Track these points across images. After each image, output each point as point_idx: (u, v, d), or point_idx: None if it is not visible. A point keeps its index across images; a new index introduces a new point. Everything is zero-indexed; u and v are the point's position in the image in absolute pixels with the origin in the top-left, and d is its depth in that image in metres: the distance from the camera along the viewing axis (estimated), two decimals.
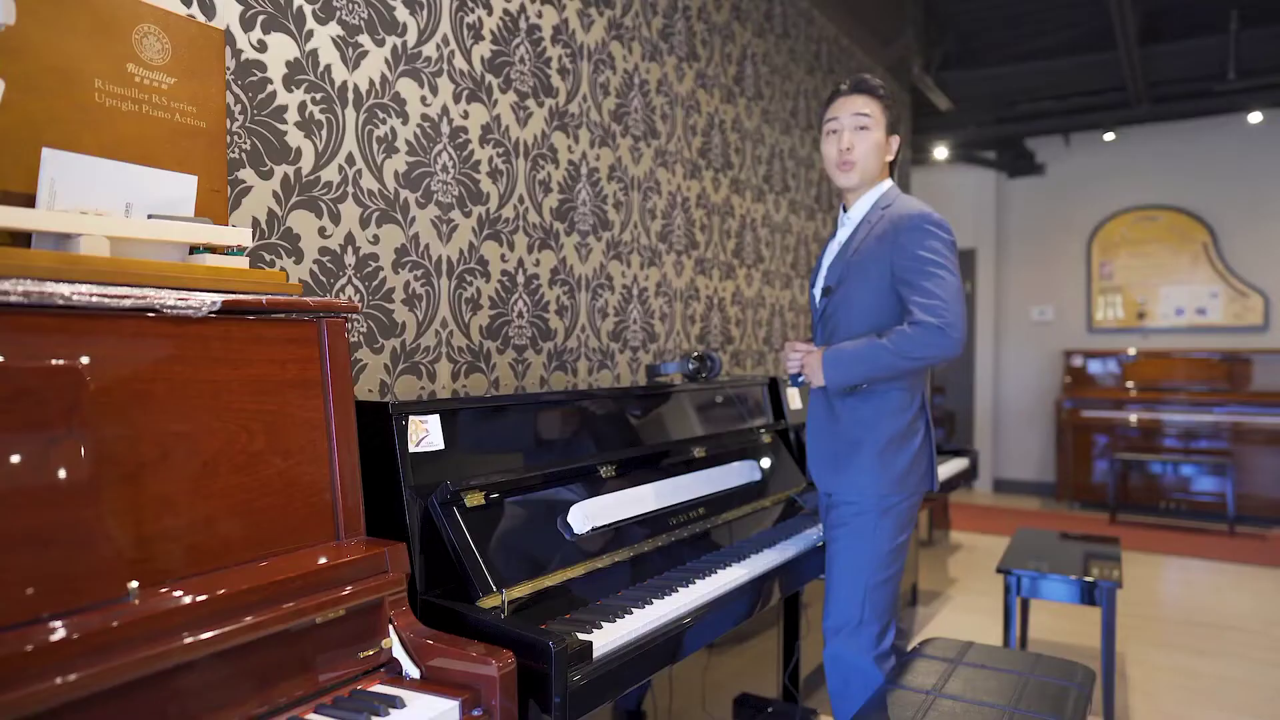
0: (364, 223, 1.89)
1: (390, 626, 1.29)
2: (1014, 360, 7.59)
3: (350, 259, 1.86)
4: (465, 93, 2.15)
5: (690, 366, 2.52)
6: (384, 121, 1.94)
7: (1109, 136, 6.93)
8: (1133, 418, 6.65)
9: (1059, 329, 7.41)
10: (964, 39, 6.21)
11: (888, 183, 2.01)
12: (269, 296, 1.27)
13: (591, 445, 2.02)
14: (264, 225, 1.68)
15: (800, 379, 2.02)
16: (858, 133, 1.94)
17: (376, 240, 1.92)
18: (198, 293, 1.19)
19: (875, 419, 1.93)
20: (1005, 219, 7.63)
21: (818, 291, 2.08)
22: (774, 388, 2.90)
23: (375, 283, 1.92)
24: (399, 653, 1.28)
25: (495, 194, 2.25)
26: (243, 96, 1.63)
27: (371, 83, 1.90)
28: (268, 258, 1.68)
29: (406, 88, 1.99)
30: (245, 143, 1.64)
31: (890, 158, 2.00)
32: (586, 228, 2.59)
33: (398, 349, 1.98)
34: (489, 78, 2.22)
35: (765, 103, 3.70)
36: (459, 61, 2.13)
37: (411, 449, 1.55)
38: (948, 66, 6.21)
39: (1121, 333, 7.22)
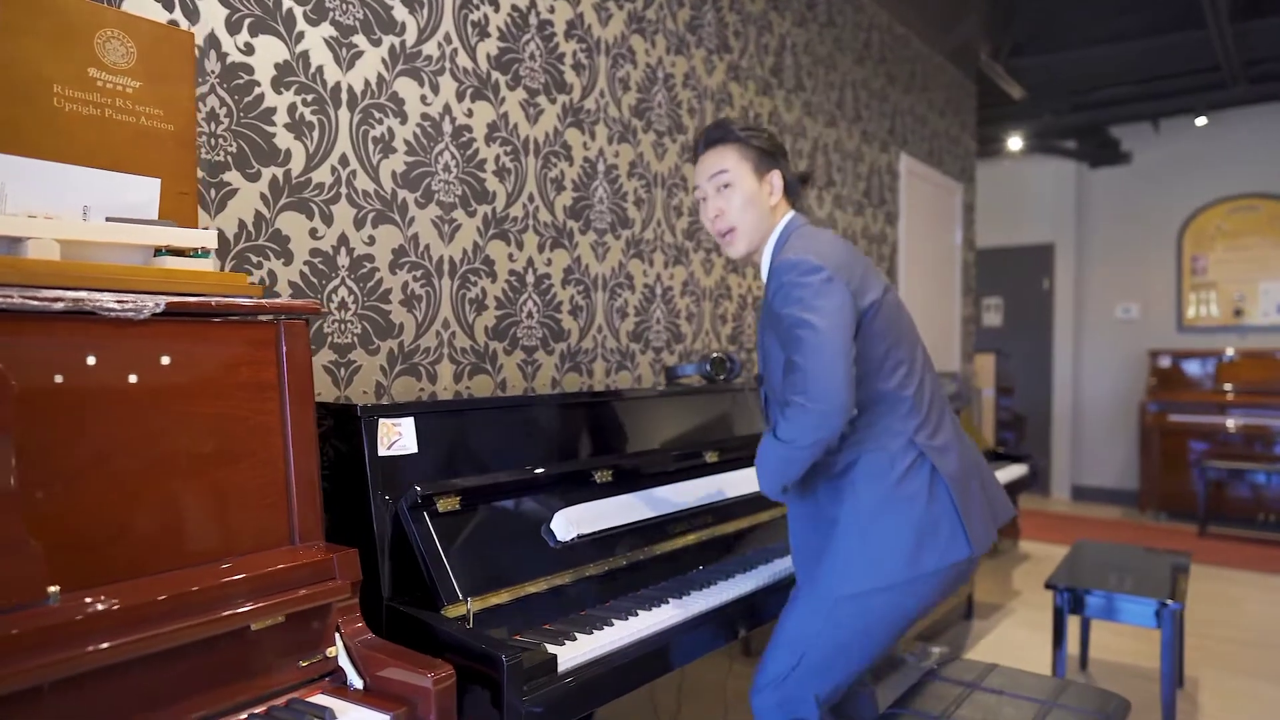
0: (359, 224, 1.89)
1: (337, 635, 1.27)
2: (1095, 360, 7.18)
3: (344, 260, 1.86)
4: (470, 91, 2.12)
5: (708, 368, 2.44)
6: (380, 122, 1.93)
7: (1201, 121, 6.48)
8: (1230, 423, 6.19)
9: (1145, 328, 6.97)
10: (1036, 23, 5.89)
11: (782, 224, 1.69)
12: (219, 299, 1.26)
13: (587, 450, 1.97)
14: (251, 227, 1.69)
15: None
16: (721, 194, 1.68)
17: (372, 241, 1.92)
18: (141, 295, 1.18)
19: (851, 488, 1.60)
20: (1087, 212, 7.22)
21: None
22: None
23: (371, 284, 1.92)
24: (344, 662, 1.25)
25: (502, 193, 2.22)
26: (228, 99, 1.64)
27: (367, 83, 1.89)
28: (254, 259, 1.69)
29: (405, 87, 1.98)
30: (231, 145, 1.65)
31: (774, 198, 1.69)
32: (604, 226, 2.53)
33: (395, 350, 1.97)
34: (496, 75, 2.19)
35: (807, 95, 3.57)
36: (463, 60, 2.10)
37: (382, 452, 1.53)
38: (1019, 53, 5.90)
39: (1216, 331, 6.74)
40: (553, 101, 2.35)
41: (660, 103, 2.74)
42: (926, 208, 4.79)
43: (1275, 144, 6.46)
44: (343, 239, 1.86)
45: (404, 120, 1.98)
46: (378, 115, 1.92)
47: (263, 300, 1.31)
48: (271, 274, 1.72)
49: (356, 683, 1.24)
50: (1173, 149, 6.84)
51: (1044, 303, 7.35)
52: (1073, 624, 3.58)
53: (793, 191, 1.73)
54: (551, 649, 1.47)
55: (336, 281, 1.85)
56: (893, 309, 1.65)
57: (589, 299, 2.49)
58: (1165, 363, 6.67)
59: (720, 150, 1.69)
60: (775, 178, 1.69)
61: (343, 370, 1.86)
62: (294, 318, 1.36)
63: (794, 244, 1.61)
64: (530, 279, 2.30)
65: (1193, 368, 6.59)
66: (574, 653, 1.47)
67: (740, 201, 1.67)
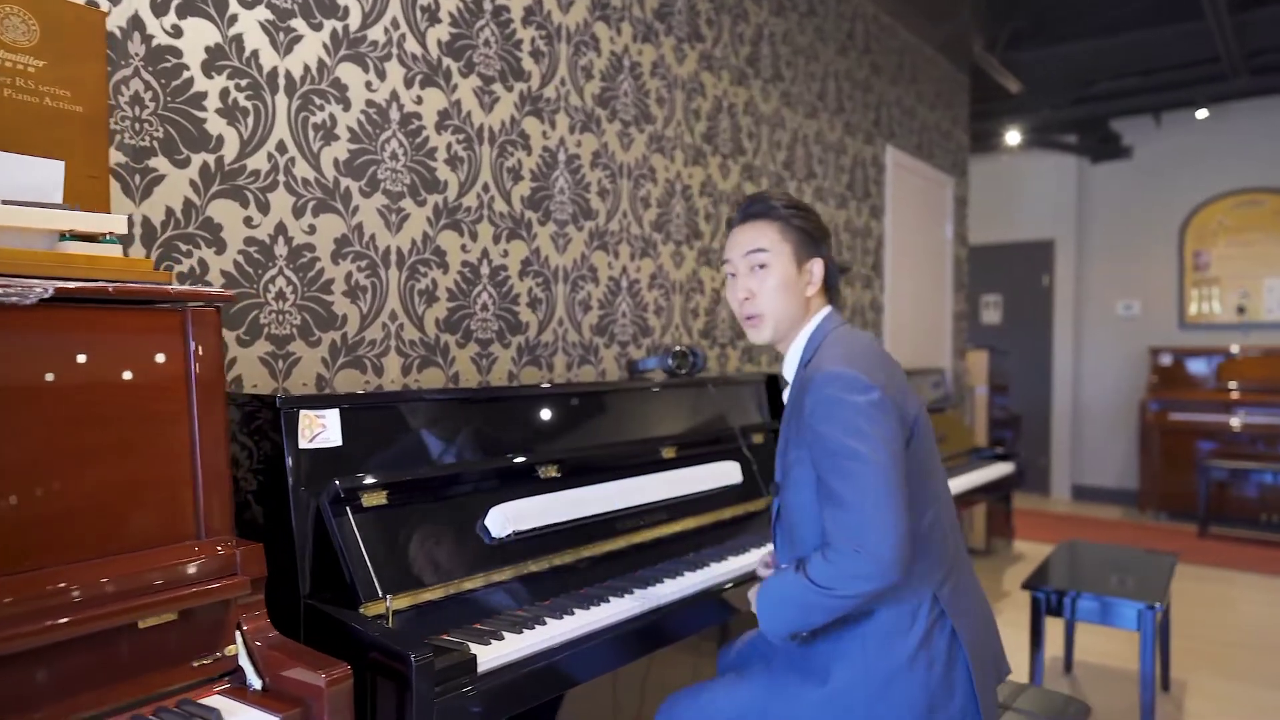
0: (298, 212, 1.84)
1: (238, 633, 1.22)
2: (1096, 358, 7.08)
3: (281, 249, 1.82)
4: (419, 77, 2.08)
5: (670, 362, 2.39)
6: (321, 108, 1.88)
7: (1202, 114, 6.37)
8: (1235, 421, 6.08)
9: (1146, 325, 6.87)
10: (1033, 14, 5.80)
11: (818, 319, 1.51)
12: (118, 284, 1.22)
13: (534, 445, 1.92)
14: (180, 215, 1.65)
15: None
16: (755, 274, 1.50)
17: (313, 230, 1.87)
18: (30, 280, 1.14)
19: (860, 646, 1.39)
20: (1087, 207, 7.12)
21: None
22: (772, 385, 2.73)
23: (311, 274, 1.87)
24: (244, 661, 1.21)
25: (455, 182, 2.17)
26: (154, 83, 1.60)
27: (307, 68, 1.85)
28: (184, 248, 1.65)
29: (349, 73, 1.93)
30: (157, 130, 1.61)
31: (812, 288, 1.51)
32: (565, 217, 2.48)
33: (338, 342, 1.93)
34: (447, 62, 2.14)
35: (786, 85, 3.51)
36: (411, 45, 2.06)
37: (303, 445, 1.48)
38: (1016, 45, 5.81)
39: (1219, 329, 6.63)
40: (509, 89, 2.31)
41: (626, 91, 2.69)
42: (915, 201, 4.72)
43: (1278, 137, 6.35)
44: (280, 228, 1.81)
45: (347, 107, 1.93)
46: (318, 101, 1.87)
47: (167, 287, 1.27)
48: (203, 263, 1.68)
49: (255, 683, 1.20)
50: (1174, 143, 6.73)
51: (1044, 300, 7.25)
52: (1058, 626, 3.51)
53: (832, 283, 1.56)
54: (476, 648, 1.42)
55: (274, 271, 1.81)
56: (926, 431, 1.45)
57: (549, 291, 2.44)
58: (1167, 360, 6.56)
59: (759, 226, 1.51)
60: (816, 266, 1.51)
61: (280, 362, 1.82)
62: (202, 305, 1.31)
63: (832, 349, 1.43)
64: (485, 270, 2.25)
65: (1195, 365, 6.48)
66: (498, 652, 1.43)
67: (774, 285, 1.49)
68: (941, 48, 4.94)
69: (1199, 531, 5.77)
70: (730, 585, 1.91)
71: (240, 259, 1.75)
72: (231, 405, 1.59)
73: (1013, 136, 6.73)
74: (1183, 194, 6.73)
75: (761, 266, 1.50)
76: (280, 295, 1.81)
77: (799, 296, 1.50)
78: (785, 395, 1.57)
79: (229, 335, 1.72)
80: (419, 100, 2.08)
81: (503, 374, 2.31)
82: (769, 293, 1.50)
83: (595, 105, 2.58)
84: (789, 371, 1.54)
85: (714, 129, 3.09)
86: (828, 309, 1.54)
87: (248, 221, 1.76)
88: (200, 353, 1.30)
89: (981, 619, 1.49)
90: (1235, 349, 6.32)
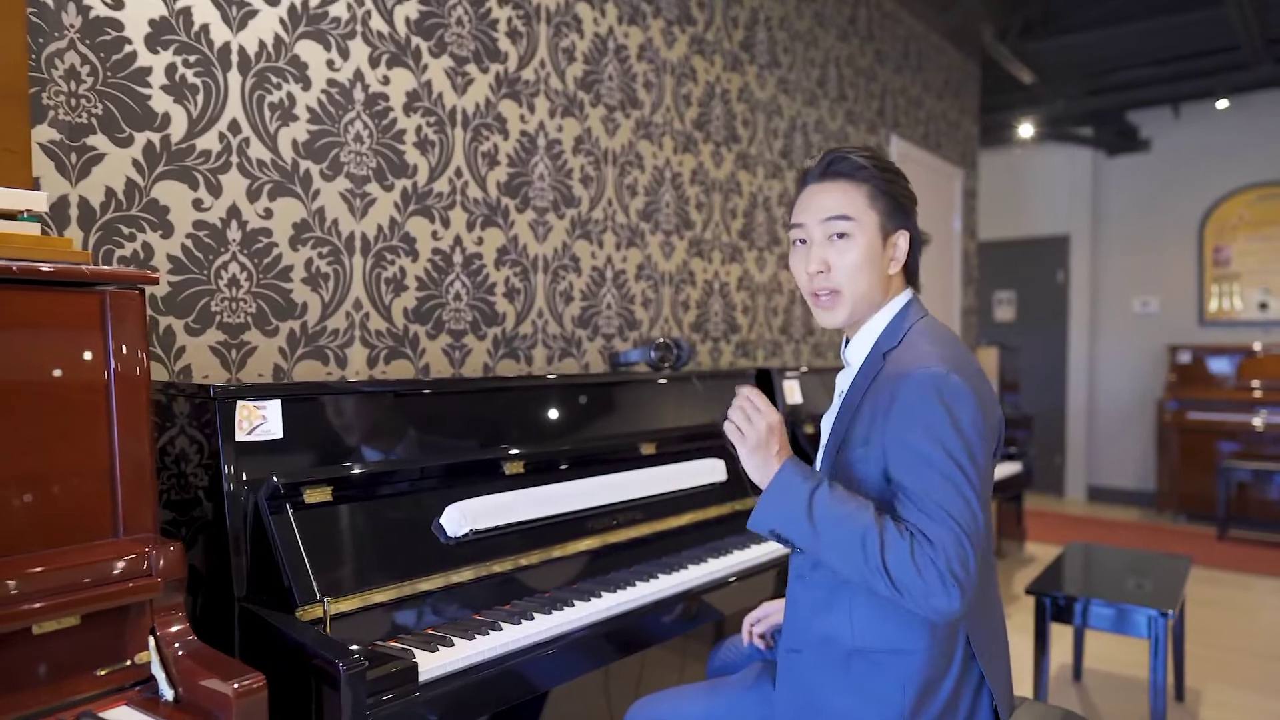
0: (253, 195, 1.76)
1: (151, 639, 1.13)
2: (1112, 356, 6.90)
3: (235, 234, 1.73)
4: (386, 56, 1.99)
5: (653, 354, 2.29)
6: (279, 87, 1.80)
7: (1222, 104, 6.18)
8: (1258, 421, 5.90)
9: (1164, 322, 6.69)
10: (1045, 1, 5.65)
11: (899, 302, 1.32)
12: (21, 262, 1.13)
13: (501, 440, 1.82)
14: (121, 196, 1.56)
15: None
16: (833, 244, 1.28)
17: (269, 214, 1.79)
18: None
19: (878, 686, 1.22)
20: (1103, 201, 6.95)
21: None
22: (764, 379, 2.63)
23: (268, 260, 1.79)
24: (157, 670, 1.12)
25: (424, 166, 2.08)
26: (92, 57, 1.52)
27: (262, 45, 1.77)
28: (126, 230, 1.57)
29: (308, 50, 1.85)
30: (96, 107, 1.53)
31: (895, 266, 1.30)
32: (545, 204, 2.39)
33: (297, 331, 1.84)
34: (416, 41, 2.06)
35: (783, 71, 3.40)
36: (377, 23, 1.97)
37: (240, 437, 1.40)
38: (1029, 33, 5.66)
39: (1240, 326, 6.44)
40: (484, 71, 2.21)
41: (611, 75, 2.59)
42: (922, 193, 4.57)
43: None
44: (234, 211, 1.73)
45: (307, 86, 1.85)
46: (275, 80, 1.79)
47: (81, 267, 1.19)
48: (147, 246, 1.60)
49: (168, 693, 1.11)
50: (1194, 134, 6.55)
51: (1058, 296, 7.08)
52: (1068, 632, 3.37)
53: (914, 262, 1.34)
54: (421, 655, 1.33)
55: (226, 256, 1.72)
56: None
57: (527, 281, 2.35)
58: (1186, 358, 6.38)
59: (844, 188, 1.28)
60: (903, 240, 1.30)
61: (234, 352, 1.73)
62: (124, 287, 1.23)
63: (927, 345, 1.23)
64: (458, 259, 2.16)
65: (1216, 364, 6.29)
66: (446, 659, 1.33)
67: (856, 260, 1.27)
68: (949, 35, 4.81)
69: (1218, 534, 5.60)
70: (709, 587, 1.81)
71: (189, 243, 1.66)
72: (180, 397, 1.51)
73: (1025, 129, 6.57)
74: (1202, 187, 6.54)
75: (841, 236, 1.27)
76: (234, 282, 1.73)
77: (881, 274, 1.29)
78: (841, 380, 1.36)
79: (176, 324, 1.64)
80: (385, 80, 1.99)
81: (477, 366, 2.22)
82: (849, 268, 1.27)
83: (578, 89, 2.48)
84: (856, 356, 1.33)
85: (706, 115, 2.98)
86: (909, 292, 1.34)
87: (197, 204, 1.67)
88: (120, 338, 1.21)
89: (1005, 656, 1.34)
90: (1258, 346, 6.13)
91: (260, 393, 1.42)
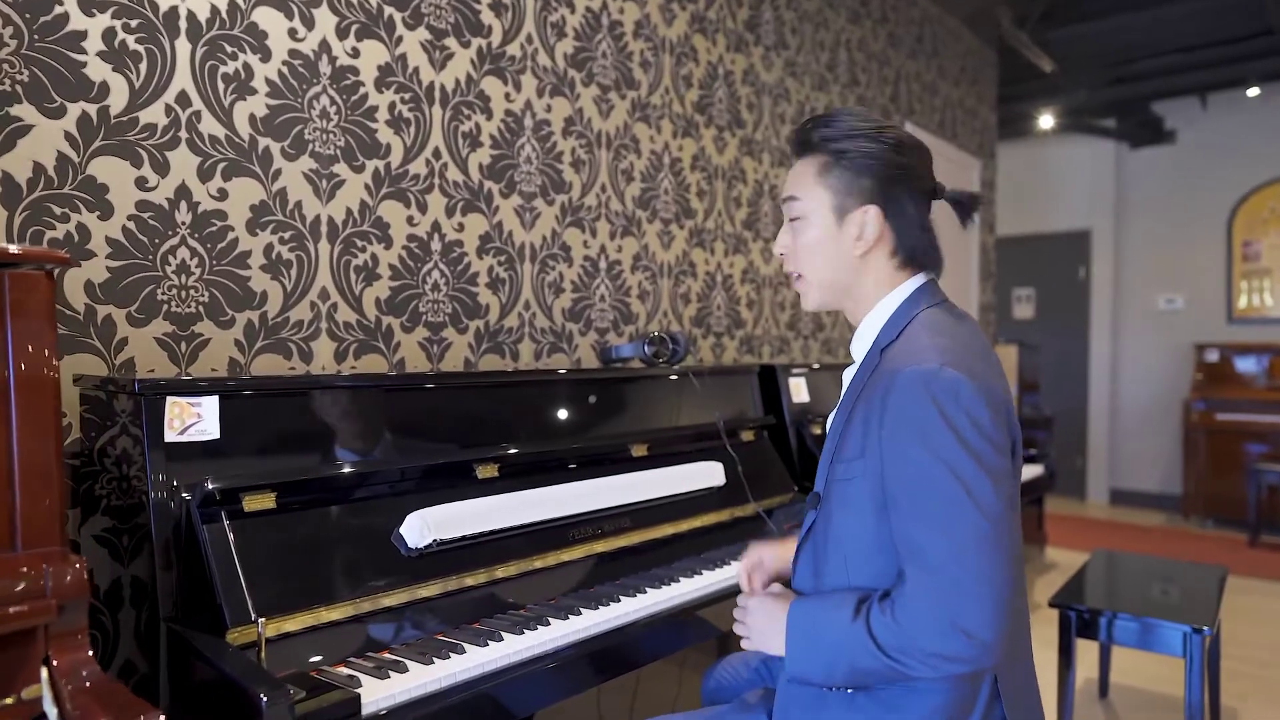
0: (204, 174, 1.62)
1: (45, 670, 0.99)
2: (1135, 355, 6.67)
3: (184, 215, 1.59)
4: (355, 27, 1.85)
5: (647, 349, 2.13)
6: (234, 56, 1.65)
7: (1253, 92, 5.95)
8: None
9: (1191, 319, 6.45)
10: None
11: (905, 290, 1.17)
12: None
13: (473, 441, 1.67)
14: (52, 172, 1.42)
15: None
16: (791, 227, 1.19)
17: (224, 195, 1.65)
18: None
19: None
20: (1126, 195, 6.72)
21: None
22: (768, 376, 2.46)
23: (222, 245, 1.65)
24: (48, 706, 0.97)
25: (399, 146, 1.93)
26: (16, 19, 1.38)
27: (215, 10, 1.62)
28: (58, 210, 1.43)
29: (267, 18, 1.70)
30: (22, 73, 1.39)
31: (862, 246, 1.14)
32: (532, 189, 2.24)
33: (255, 323, 1.70)
34: (390, 11, 1.91)
35: (790, 53, 3.23)
36: None
37: (170, 438, 1.25)
38: (1049, 19, 5.45)
39: (1270, 323, 6.19)
40: (465, 45, 2.06)
41: (605, 53, 2.44)
42: None
43: None
44: (183, 191, 1.59)
45: (266, 57, 1.70)
46: (229, 49, 1.65)
47: None
48: (82, 228, 1.46)
49: None
50: (1222, 125, 6.31)
51: (1080, 293, 6.86)
52: (1092, 643, 3.19)
53: (914, 241, 1.16)
54: (368, 682, 1.18)
55: (175, 240, 1.58)
56: (1019, 456, 1.11)
57: (513, 271, 2.19)
58: (1213, 357, 6.15)
59: (800, 165, 1.18)
60: (869, 216, 1.13)
61: (183, 344, 1.59)
62: (28, 268, 1.08)
63: (925, 337, 1.07)
64: (436, 246, 2.02)
65: (1245, 363, 6.06)
66: (394, 688, 1.18)
67: (809, 244, 1.17)
68: (966, 20, 4.62)
69: (1249, 540, 5.37)
70: (702, 603, 1.65)
71: (132, 225, 1.52)
72: (121, 394, 1.37)
73: (1046, 120, 6.36)
74: (1231, 179, 6.30)
75: (794, 220, 1.18)
76: (183, 268, 1.59)
77: (845, 258, 1.15)
78: (845, 377, 1.22)
79: (118, 313, 1.50)
80: (355, 53, 1.85)
81: (458, 361, 2.07)
82: (803, 252, 1.18)
83: (568, 67, 2.33)
84: (858, 352, 1.20)
85: (708, 98, 2.82)
86: (916, 279, 1.17)
87: (141, 183, 1.53)
88: (20, 328, 1.07)
89: (1034, 697, 1.18)
90: None
91: (194, 388, 1.28)
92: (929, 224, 1.18)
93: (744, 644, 1.21)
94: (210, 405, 1.29)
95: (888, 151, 1.12)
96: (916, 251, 1.17)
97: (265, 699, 1.00)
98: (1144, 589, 2.64)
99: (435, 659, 1.28)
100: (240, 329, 1.67)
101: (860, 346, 1.19)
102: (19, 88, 1.38)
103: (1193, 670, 2.22)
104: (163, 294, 1.56)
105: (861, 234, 1.14)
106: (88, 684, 0.98)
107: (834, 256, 1.16)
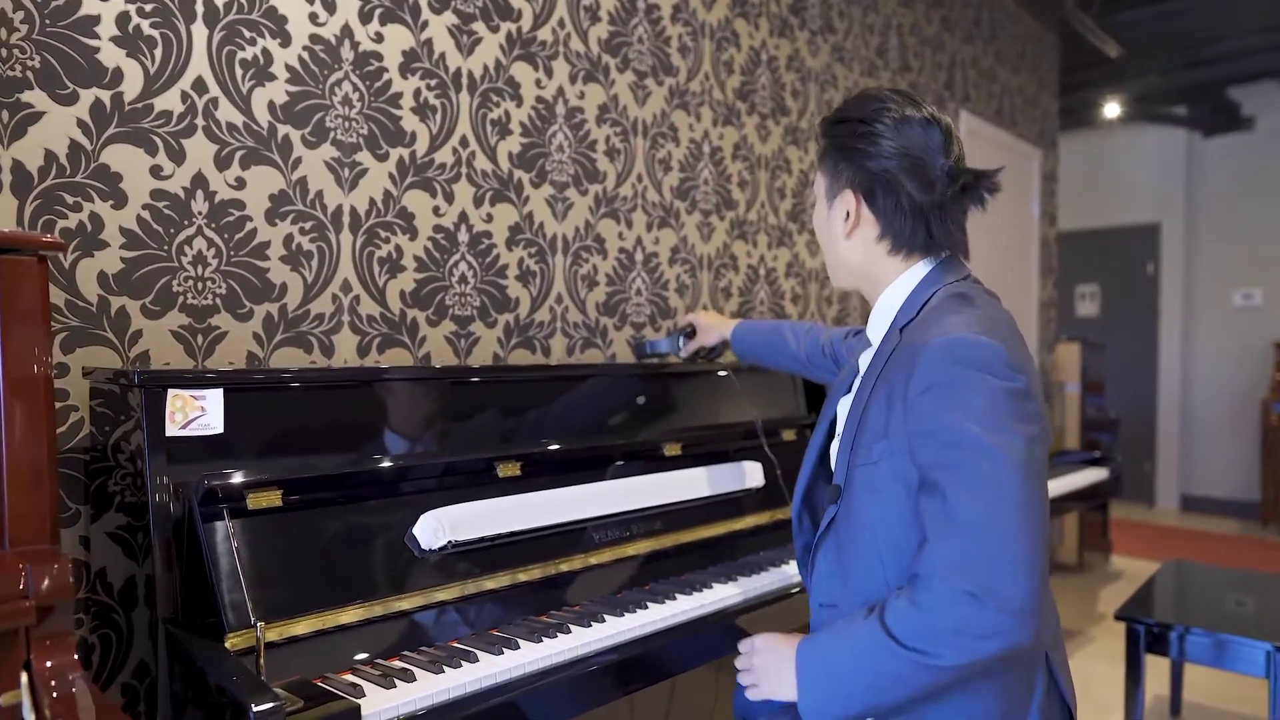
0: (221, 163, 1.57)
1: (25, 674, 0.94)
2: (1208, 353, 6.34)
3: (200, 205, 1.55)
4: (379, 11, 1.79)
5: (683, 342, 2.04)
6: (253, 42, 1.61)
7: None
8: None
9: (1270, 315, 6.10)
10: None
11: (919, 271, 1.12)
12: None
13: (495, 438, 1.60)
14: (64, 161, 1.39)
15: None
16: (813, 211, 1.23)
17: (241, 184, 1.60)
18: None
19: None
20: (1199, 186, 6.39)
21: (812, 468, 1.24)
22: None
23: (240, 235, 1.60)
24: (27, 713, 0.92)
25: (424, 134, 1.87)
26: (26, 2, 1.35)
27: None
28: (70, 199, 1.40)
29: (286, 2, 1.65)
30: (33, 59, 1.36)
31: (846, 229, 1.13)
32: (564, 179, 2.16)
33: (274, 315, 1.65)
34: None
35: (838, 38, 3.10)
36: None
37: (171, 432, 1.20)
38: (1116, 1, 5.19)
39: None
40: (494, 30, 2.00)
41: (641, 38, 2.35)
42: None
43: None
44: (199, 180, 1.55)
45: (286, 42, 1.65)
46: (248, 34, 1.60)
47: None
48: (95, 217, 1.42)
49: None
50: None
51: (1148, 289, 6.55)
52: (1162, 659, 2.99)
53: (896, 227, 1.10)
54: (373, 692, 1.11)
55: (191, 230, 1.54)
56: (1049, 438, 1.05)
57: (544, 263, 2.12)
58: None
59: (818, 157, 1.22)
60: (844, 203, 1.13)
61: (200, 337, 1.55)
62: (16, 253, 1.04)
63: (951, 313, 1.02)
64: (463, 237, 1.95)
65: None
66: (400, 699, 1.11)
67: (817, 225, 1.24)
68: (1026, 3, 4.42)
69: None
70: (738, 610, 1.56)
71: (146, 215, 1.48)
72: (134, 387, 1.32)
73: (1111, 109, 6.07)
74: None
75: (813, 205, 1.25)
76: (199, 259, 1.55)
77: (839, 241, 1.17)
78: (861, 361, 1.19)
79: (131, 305, 1.46)
80: (378, 38, 1.79)
81: (486, 356, 2.00)
82: (818, 233, 1.24)
83: (602, 52, 2.24)
84: (875, 333, 1.17)
85: (750, 85, 2.71)
86: (927, 261, 1.12)
87: (156, 171, 1.49)
88: (9, 318, 1.02)
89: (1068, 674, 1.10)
90: None
91: (198, 380, 1.23)
92: (933, 209, 1.09)
93: (750, 693, 1.12)
94: (215, 398, 1.24)
95: (869, 137, 1.10)
96: (902, 238, 1.11)
97: (255, 708, 0.93)
98: (1219, 602, 2.46)
99: (446, 667, 1.20)
100: (259, 322, 1.63)
101: (877, 329, 1.17)
102: (30, 74, 1.35)
103: (1278, 691, 2.04)
104: (178, 285, 1.52)
105: (852, 217, 1.14)
106: (66, 692, 0.93)
107: (832, 239, 1.18)
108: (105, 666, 1.41)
